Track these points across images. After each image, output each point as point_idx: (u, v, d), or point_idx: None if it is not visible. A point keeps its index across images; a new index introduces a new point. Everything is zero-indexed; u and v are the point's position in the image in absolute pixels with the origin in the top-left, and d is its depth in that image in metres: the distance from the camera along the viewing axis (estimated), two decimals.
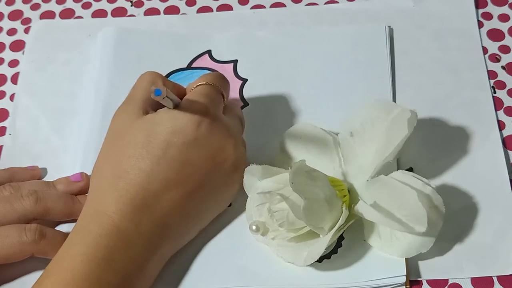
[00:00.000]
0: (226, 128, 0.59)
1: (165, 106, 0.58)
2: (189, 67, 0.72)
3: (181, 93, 0.62)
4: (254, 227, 0.57)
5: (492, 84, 0.69)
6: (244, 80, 0.70)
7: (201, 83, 0.61)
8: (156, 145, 0.56)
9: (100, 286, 0.52)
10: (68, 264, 0.52)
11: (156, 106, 0.59)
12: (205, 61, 0.72)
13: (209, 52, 0.73)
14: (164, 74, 0.71)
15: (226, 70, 0.71)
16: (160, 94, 0.52)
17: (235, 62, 0.72)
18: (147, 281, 0.56)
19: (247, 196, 0.59)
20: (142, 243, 0.55)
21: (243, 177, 0.59)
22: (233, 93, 0.69)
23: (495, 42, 0.72)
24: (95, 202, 0.56)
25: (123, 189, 0.55)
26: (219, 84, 0.61)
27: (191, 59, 0.73)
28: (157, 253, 0.56)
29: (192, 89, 0.61)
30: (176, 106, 0.58)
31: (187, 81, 0.69)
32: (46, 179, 0.65)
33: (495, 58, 0.71)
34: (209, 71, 0.70)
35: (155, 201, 0.55)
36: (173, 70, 0.72)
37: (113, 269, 0.53)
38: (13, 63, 0.75)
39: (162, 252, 0.56)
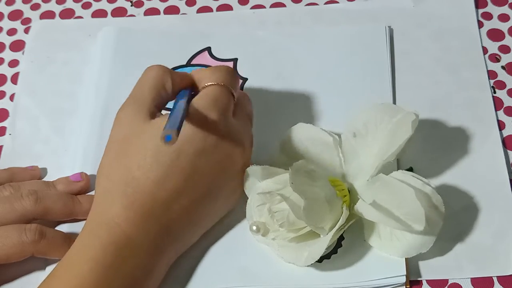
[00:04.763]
0: (235, 135, 0.58)
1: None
2: (188, 64, 0.72)
3: (189, 83, 0.61)
4: (254, 228, 0.57)
5: (492, 84, 0.69)
6: (245, 80, 0.70)
7: (212, 83, 0.59)
8: (166, 154, 0.55)
9: None
10: (77, 271, 0.52)
11: (162, 106, 0.60)
12: (205, 58, 0.72)
13: (208, 49, 0.73)
14: None
15: None
16: (170, 140, 0.51)
17: (235, 60, 0.72)
18: (154, 285, 0.56)
19: (247, 197, 0.59)
20: (150, 250, 0.55)
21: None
22: None
23: (495, 42, 0.72)
24: (103, 206, 0.56)
25: (132, 196, 0.55)
26: (229, 83, 0.60)
27: (191, 56, 0.73)
28: (164, 258, 0.56)
29: (205, 86, 0.59)
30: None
31: None
32: (46, 179, 0.65)
33: (495, 58, 0.71)
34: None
35: (163, 209, 0.55)
36: (173, 68, 0.71)
37: (121, 275, 0.53)
38: (13, 63, 0.75)
39: (169, 257, 0.57)
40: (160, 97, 0.59)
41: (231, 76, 0.60)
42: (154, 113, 0.58)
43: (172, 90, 0.60)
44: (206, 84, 0.60)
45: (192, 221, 0.57)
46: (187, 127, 0.56)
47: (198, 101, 0.58)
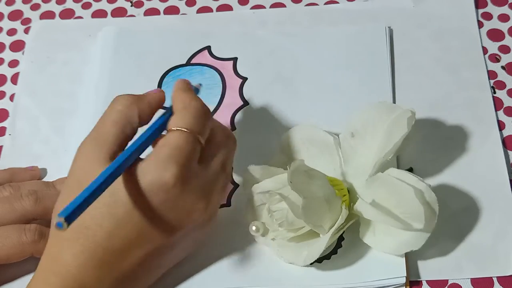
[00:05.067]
0: (197, 189, 0.54)
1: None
2: (188, 63, 0.72)
3: (160, 103, 0.57)
4: (254, 228, 0.57)
5: (492, 84, 0.69)
6: (244, 79, 0.70)
7: (177, 127, 0.54)
8: (118, 206, 0.52)
9: None
10: None
11: (126, 143, 0.55)
12: (205, 57, 0.72)
13: (208, 48, 0.73)
14: (163, 72, 0.71)
15: (226, 68, 0.71)
16: (61, 227, 0.47)
17: (235, 59, 0.72)
18: None
19: (247, 197, 0.59)
20: None
21: (215, 222, 0.58)
22: (233, 92, 0.69)
23: (495, 42, 0.72)
24: (56, 250, 0.53)
25: (83, 245, 0.52)
26: (197, 128, 0.54)
27: (190, 55, 0.73)
28: None
29: (169, 130, 0.54)
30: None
31: (186, 77, 0.69)
32: (46, 179, 0.65)
33: (495, 58, 0.71)
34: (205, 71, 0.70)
35: (116, 260, 0.53)
36: (172, 67, 0.72)
37: None
38: (13, 63, 0.75)
39: None
40: (124, 134, 0.54)
41: (200, 119, 0.55)
42: (115, 153, 0.53)
43: (139, 122, 0.56)
44: (170, 128, 0.54)
45: (148, 269, 0.55)
46: (141, 182, 0.52)
47: (155, 152, 0.53)
